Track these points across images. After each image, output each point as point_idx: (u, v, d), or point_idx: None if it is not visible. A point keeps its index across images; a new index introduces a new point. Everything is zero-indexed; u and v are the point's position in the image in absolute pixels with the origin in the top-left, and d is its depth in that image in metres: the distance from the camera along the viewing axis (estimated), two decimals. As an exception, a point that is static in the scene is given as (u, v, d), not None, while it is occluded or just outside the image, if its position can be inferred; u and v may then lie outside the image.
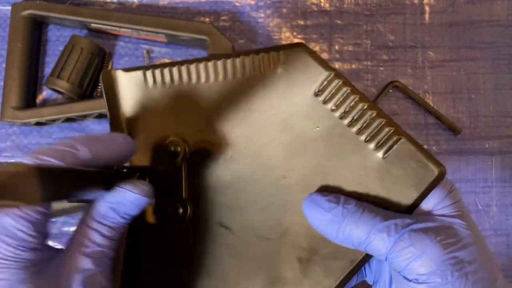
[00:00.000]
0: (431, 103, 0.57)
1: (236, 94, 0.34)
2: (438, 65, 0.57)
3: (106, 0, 0.58)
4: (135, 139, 0.35)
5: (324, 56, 0.57)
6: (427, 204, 0.31)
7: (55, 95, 0.57)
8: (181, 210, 0.34)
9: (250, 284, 0.34)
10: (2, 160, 0.56)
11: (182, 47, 0.57)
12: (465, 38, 0.58)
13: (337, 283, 0.32)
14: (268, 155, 0.34)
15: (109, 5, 0.58)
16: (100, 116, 0.55)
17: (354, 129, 0.32)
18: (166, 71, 0.34)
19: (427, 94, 0.57)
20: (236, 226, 0.34)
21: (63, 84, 0.53)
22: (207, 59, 0.34)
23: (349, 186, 0.32)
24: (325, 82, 0.32)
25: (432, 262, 0.27)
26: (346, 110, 0.32)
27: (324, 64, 0.32)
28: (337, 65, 0.57)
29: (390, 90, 0.57)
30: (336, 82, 0.32)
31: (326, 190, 0.32)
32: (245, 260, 0.34)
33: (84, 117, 0.55)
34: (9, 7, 0.56)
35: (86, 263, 0.28)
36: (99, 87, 0.57)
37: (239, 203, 0.34)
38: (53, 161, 0.26)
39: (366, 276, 0.36)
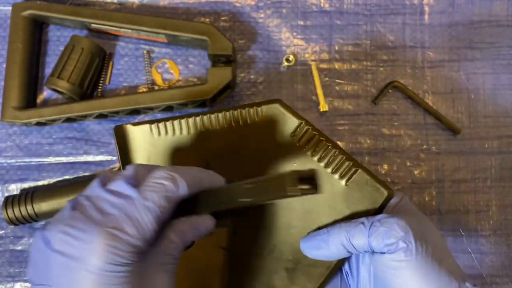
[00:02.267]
0: (430, 103, 0.57)
1: (227, 141, 0.42)
2: (438, 65, 0.58)
3: (107, 0, 0.58)
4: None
5: (324, 56, 0.57)
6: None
7: (55, 95, 0.57)
8: None
9: None
10: (2, 160, 0.56)
11: (182, 48, 0.58)
12: (464, 39, 0.58)
13: (318, 285, 0.40)
14: None
15: (109, 6, 0.58)
16: (100, 116, 0.55)
17: (323, 163, 0.40)
18: (168, 124, 0.42)
19: (426, 94, 0.57)
20: (234, 248, 0.42)
21: (63, 84, 0.53)
22: (201, 114, 0.42)
23: (323, 209, 0.40)
24: (298, 129, 0.40)
25: (398, 233, 0.34)
26: (315, 149, 0.40)
27: (297, 115, 0.41)
28: (336, 66, 0.57)
29: (390, 90, 0.57)
30: (306, 128, 0.40)
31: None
32: (244, 274, 0.41)
33: (84, 117, 0.55)
34: (10, 7, 0.56)
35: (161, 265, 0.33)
36: (100, 87, 0.57)
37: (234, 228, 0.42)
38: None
39: (349, 283, 0.41)
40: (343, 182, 0.39)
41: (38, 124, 0.55)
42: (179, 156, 0.42)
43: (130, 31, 0.55)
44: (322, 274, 0.40)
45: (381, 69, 0.57)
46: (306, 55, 0.58)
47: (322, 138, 0.40)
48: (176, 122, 0.42)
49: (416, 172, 0.56)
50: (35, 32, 0.56)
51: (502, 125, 0.57)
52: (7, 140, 0.56)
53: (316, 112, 0.57)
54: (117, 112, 0.54)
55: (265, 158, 0.41)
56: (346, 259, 0.41)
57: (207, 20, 0.58)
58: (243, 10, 0.58)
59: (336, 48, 0.58)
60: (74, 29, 0.58)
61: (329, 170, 0.39)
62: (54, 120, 0.54)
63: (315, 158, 0.40)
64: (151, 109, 0.55)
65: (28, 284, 0.54)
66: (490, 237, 0.55)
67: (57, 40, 0.58)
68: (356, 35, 0.58)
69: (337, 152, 0.39)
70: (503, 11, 0.59)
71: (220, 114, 0.41)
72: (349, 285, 0.41)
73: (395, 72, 0.57)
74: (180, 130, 0.42)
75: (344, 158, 0.39)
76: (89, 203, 0.32)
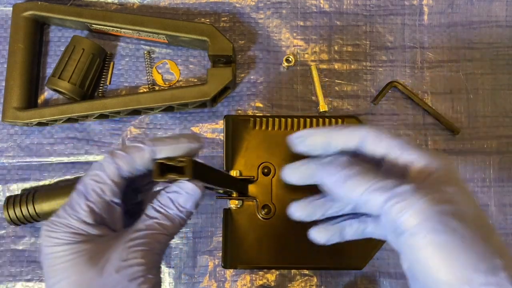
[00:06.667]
0: (429, 104, 0.57)
1: None
2: (437, 65, 0.58)
3: (107, 1, 0.59)
4: (240, 160, 0.53)
5: (324, 57, 0.58)
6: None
7: (56, 96, 0.57)
8: (266, 210, 0.52)
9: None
10: (4, 160, 0.56)
11: (183, 48, 0.58)
12: (463, 39, 0.58)
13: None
14: None
15: (110, 6, 0.58)
16: (102, 116, 0.55)
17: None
18: (264, 119, 0.53)
19: (425, 95, 0.57)
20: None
21: (64, 85, 0.53)
22: (295, 117, 0.53)
23: None
24: None
25: (421, 215, 0.29)
26: None
27: None
28: (336, 66, 0.58)
29: (389, 91, 0.57)
30: None
31: None
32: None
33: (85, 117, 0.55)
34: (10, 8, 0.57)
35: (131, 242, 0.32)
36: (100, 87, 0.57)
37: None
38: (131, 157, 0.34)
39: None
40: None
41: (39, 124, 0.56)
42: (269, 146, 0.53)
43: (130, 31, 0.55)
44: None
45: (381, 69, 0.58)
46: (306, 56, 0.58)
47: None
48: (271, 120, 0.53)
49: (415, 172, 0.56)
50: (36, 33, 0.57)
51: (501, 125, 0.57)
52: (8, 140, 0.57)
53: (315, 112, 0.57)
54: (118, 112, 0.54)
55: None
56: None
57: (207, 20, 0.58)
58: (243, 10, 0.58)
59: (336, 48, 0.58)
60: (75, 29, 0.58)
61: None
62: (55, 120, 0.55)
63: None
64: (152, 109, 0.55)
65: (29, 284, 0.55)
66: (489, 237, 0.55)
67: (58, 40, 0.58)
68: (356, 35, 0.58)
69: None
70: (502, 11, 0.59)
71: (308, 119, 0.53)
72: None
73: (395, 73, 0.58)
74: (273, 127, 0.53)
75: None
76: None
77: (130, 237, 0.32)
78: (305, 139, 0.36)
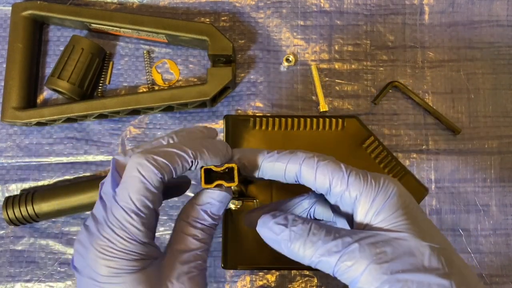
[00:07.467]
0: (430, 103, 0.57)
1: (308, 141, 0.52)
2: (438, 65, 0.58)
3: (107, 0, 0.58)
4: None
5: (324, 56, 0.57)
6: (366, 218, 0.33)
7: (55, 95, 0.57)
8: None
9: None
10: (3, 160, 0.56)
11: (183, 48, 0.58)
12: (464, 39, 0.58)
13: None
14: None
15: (110, 6, 0.58)
16: (101, 116, 0.55)
17: (381, 165, 0.51)
18: (264, 119, 0.52)
19: (426, 94, 0.57)
20: None
21: (63, 85, 0.53)
22: (295, 117, 0.52)
23: None
24: (368, 140, 0.51)
25: (373, 280, 0.29)
26: (378, 155, 0.51)
27: (367, 129, 0.52)
28: (336, 65, 0.57)
29: (390, 90, 0.57)
30: (373, 139, 0.51)
31: None
32: None
33: (84, 117, 0.55)
34: (10, 7, 0.56)
35: (184, 267, 0.31)
36: (100, 87, 0.57)
37: None
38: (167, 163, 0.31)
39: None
40: None
41: (38, 124, 0.55)
42: (267, 145, 0.52)
43: (130, 31, 0.55)
44: None
45: (381, 69, 0.57)
46: (306, 55, 0.58)
47: (383, 148, 0.52)
48: (271, 119, 0.52)
49: (415, 172, 0.56)
50: (35, 32, 0.56)
51: (501, 125, 0.57)
52: (8, 140, 0.56)
53: (316, 112, 0.57)
54: (117, 112, 0.54)
55: (338, 158, 0.48)
56: None
57: (207, 20, 0.58)
58: (243, 10, 0.58)
59: (336, 48, 0.58)
60: (74, 29, 0.58)
61: (386, 171, 0.51)
62: (54, 120, 0.55)
63: (377, 161, 0.51)
64: (152, 109, 0.55)
65: (28, 284, 0.54)
66: (490, 237, 0.55)
67: (57, 40, 0.58)
68: (356, 35, 0.58)
69: (393, 159, 0.51)
70: (503, 11, 0.59)
71: (308, 119, 0.52)
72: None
73: (395, 72, 0.57)
74: (273, 127, 0.52)
75: (397, 164, 0.51)
76: (92, 212, 0.32)
77: (182, 260, 0.31)
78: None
